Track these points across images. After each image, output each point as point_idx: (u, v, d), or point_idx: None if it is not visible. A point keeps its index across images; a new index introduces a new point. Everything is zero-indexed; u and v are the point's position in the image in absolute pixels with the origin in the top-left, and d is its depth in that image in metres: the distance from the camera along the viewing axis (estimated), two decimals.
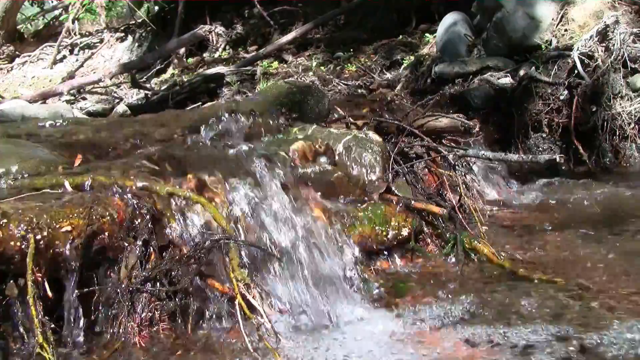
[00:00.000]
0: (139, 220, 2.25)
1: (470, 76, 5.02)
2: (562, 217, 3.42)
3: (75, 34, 10.57)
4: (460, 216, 3.05)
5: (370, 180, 3.10)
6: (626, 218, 3.26)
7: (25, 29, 11.47)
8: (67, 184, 2.29)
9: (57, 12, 11.24)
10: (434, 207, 2.97)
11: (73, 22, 10.14)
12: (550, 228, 3.22)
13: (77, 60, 9.82)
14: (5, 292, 1.99)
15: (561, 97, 4.56)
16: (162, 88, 7.46)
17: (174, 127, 3.35)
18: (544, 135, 4.63)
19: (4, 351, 2.01)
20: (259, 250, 2.32)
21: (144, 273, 2.20)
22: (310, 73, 6.74)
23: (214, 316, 2.25)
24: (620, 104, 4.39)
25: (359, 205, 2.89)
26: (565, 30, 4.94)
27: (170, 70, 8.68)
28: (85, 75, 8.67)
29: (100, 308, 2.17)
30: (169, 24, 9.39)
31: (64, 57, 10.02)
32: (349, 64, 7.04)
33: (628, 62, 4.43)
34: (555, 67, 4.68)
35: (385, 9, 7.90)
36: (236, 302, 2.03)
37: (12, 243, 1.95)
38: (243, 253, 2.25)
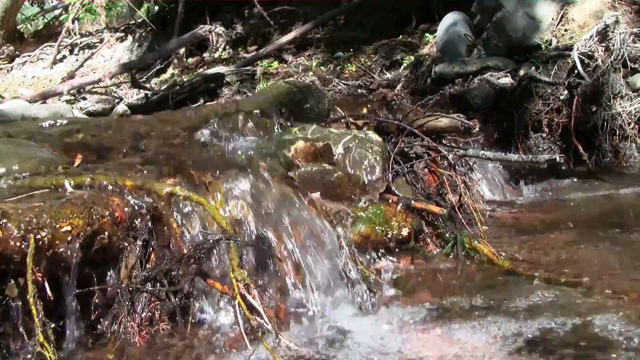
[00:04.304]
0: (139, 220, 2.25)
1: (470, 76, 5.01)
2: (562, 217, 3.42)
3: (75, 34, 10.56)
4: (460, 216, 3.05)
5: (370, 180, 3.10)
6: (626, 218, 3.26)
7: (25, 29, 11.46)
8: (67, 184, 2.29)
9: (57, 12, 11.23)
10: (434, 207, 2.97)
11: (73, 22, 10.13)
12: (550, 228, 3.22)
13: (77, 60, 9.82)
14: (5, 292, 1.99)
15: (561, 97, 4.56)
16: (162, 88, 7.44)
17: (173, 127, 3.35)
18: (544, 135, 4.63)
19: (4, 351, 2.01)
20: (259, 251, 2.32)
21: (144, 273, 2.21)
22: (310, 73, 6.73)
23: (213, 316, 2.25)
24: (620, 104, 4.39)
25: (359, 205, 2.89)
26: (565, 30, 4.94)
27: (170, 70, 8.67)
28: (85, 75, 8.65)
29: (100, 308, 2.17)
30: (169, 24, 9.39)
31: (64, 57, 10.02)
32: (349, 64, 7.04)
33: (628, 62, 4.43)
34: (555, 67, 4.68)
35: (385, 9, 7.89)
36: (236, 303, 2.03)
37: (12, 243, 1.95)
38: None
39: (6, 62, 9.96)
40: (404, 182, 3.24)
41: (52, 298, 2.00)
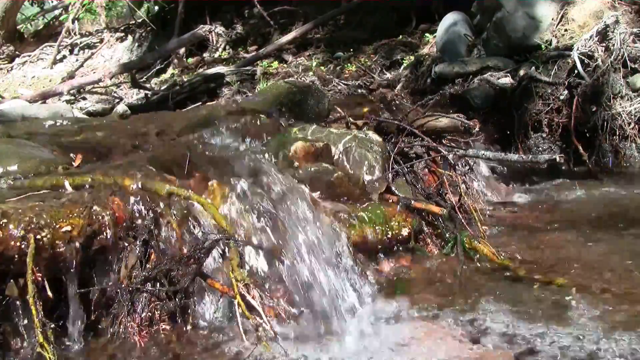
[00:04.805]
0: (139, 220, 2.25)
1: (470, 76, 5.02)
2: (562, 217, 3.42)
3: (75, 34, 10.56)
4: (460, 216, 3.04)
5: (370, 180, 3.10)
6: (626, 218, 3.26)
7: (25, 29, 11.46)
8: (67, 184, 2.29)
9: (57, 12, 11.23)
10: (434, 207, 2.97)
11: (73, 22, 10.12)
12: (550, 228, 3.22)
13: (77, 60, 9.81)
14: (6, 292, 2.00)
15: (561, 97, 4.56)
16: (162, 88, 7.44)
17: (173, 128, 3.35)
18: (544, 135, 4.63)
19: (4, 351, 2.01)
20: (259, 250, 2.32)
21: (144, 273, 2.21)
22: (310, 73, 6.73)
23: (213, 316, 2.25)
24: (620, 104, 4.39)
25: (359, 205, 2.89)
26: (565, 30, 4.94)
27: (170, 70, 8.67)
28: (85, 75, 8.65)
29: (100, 308, 2.18)
30: (169, 24, 9.38)
31: (64, 57, 10.01)
32: (349, 64, 7.04)
33: (628, 62, 4.43)
34: (555, 67, 4.69)
35: (385, 9, 7.89)
36: (235, 303, 2.03)
37: (12, 243, 1.95)
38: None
39: (6, 62, 9.96)
40: (404, 182, 3.24)
41: (52, 298, 2.01)
